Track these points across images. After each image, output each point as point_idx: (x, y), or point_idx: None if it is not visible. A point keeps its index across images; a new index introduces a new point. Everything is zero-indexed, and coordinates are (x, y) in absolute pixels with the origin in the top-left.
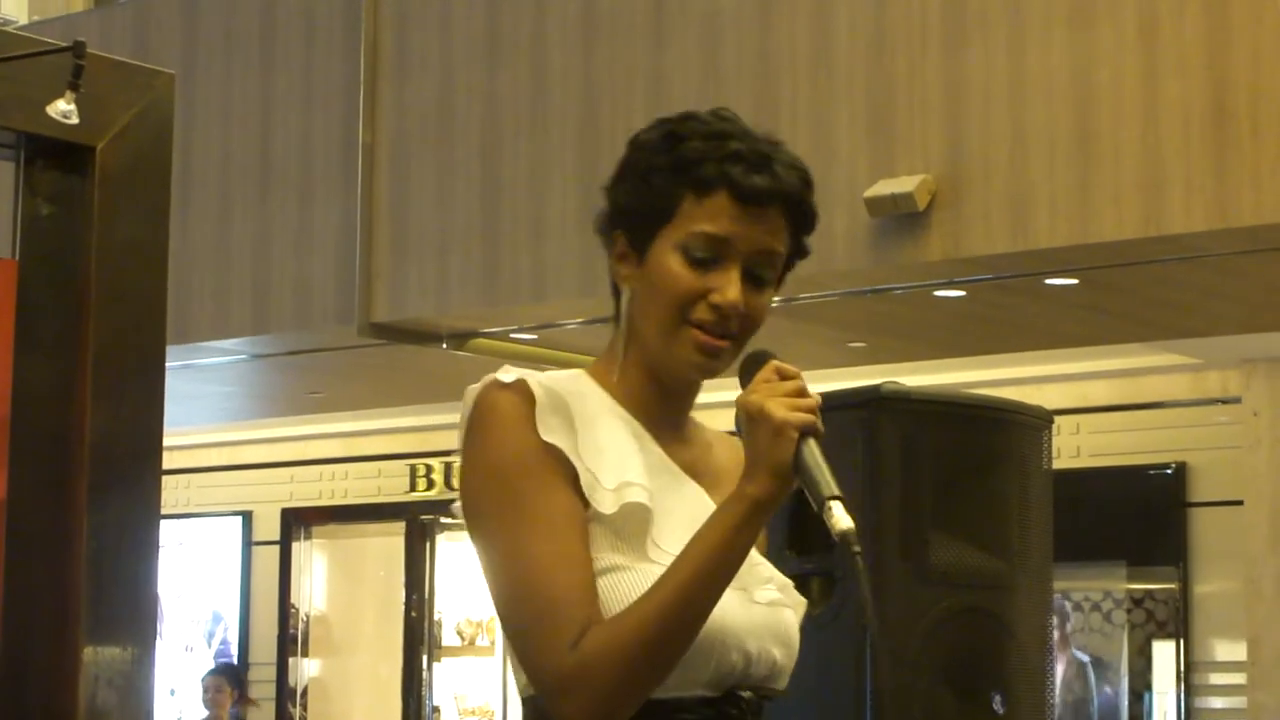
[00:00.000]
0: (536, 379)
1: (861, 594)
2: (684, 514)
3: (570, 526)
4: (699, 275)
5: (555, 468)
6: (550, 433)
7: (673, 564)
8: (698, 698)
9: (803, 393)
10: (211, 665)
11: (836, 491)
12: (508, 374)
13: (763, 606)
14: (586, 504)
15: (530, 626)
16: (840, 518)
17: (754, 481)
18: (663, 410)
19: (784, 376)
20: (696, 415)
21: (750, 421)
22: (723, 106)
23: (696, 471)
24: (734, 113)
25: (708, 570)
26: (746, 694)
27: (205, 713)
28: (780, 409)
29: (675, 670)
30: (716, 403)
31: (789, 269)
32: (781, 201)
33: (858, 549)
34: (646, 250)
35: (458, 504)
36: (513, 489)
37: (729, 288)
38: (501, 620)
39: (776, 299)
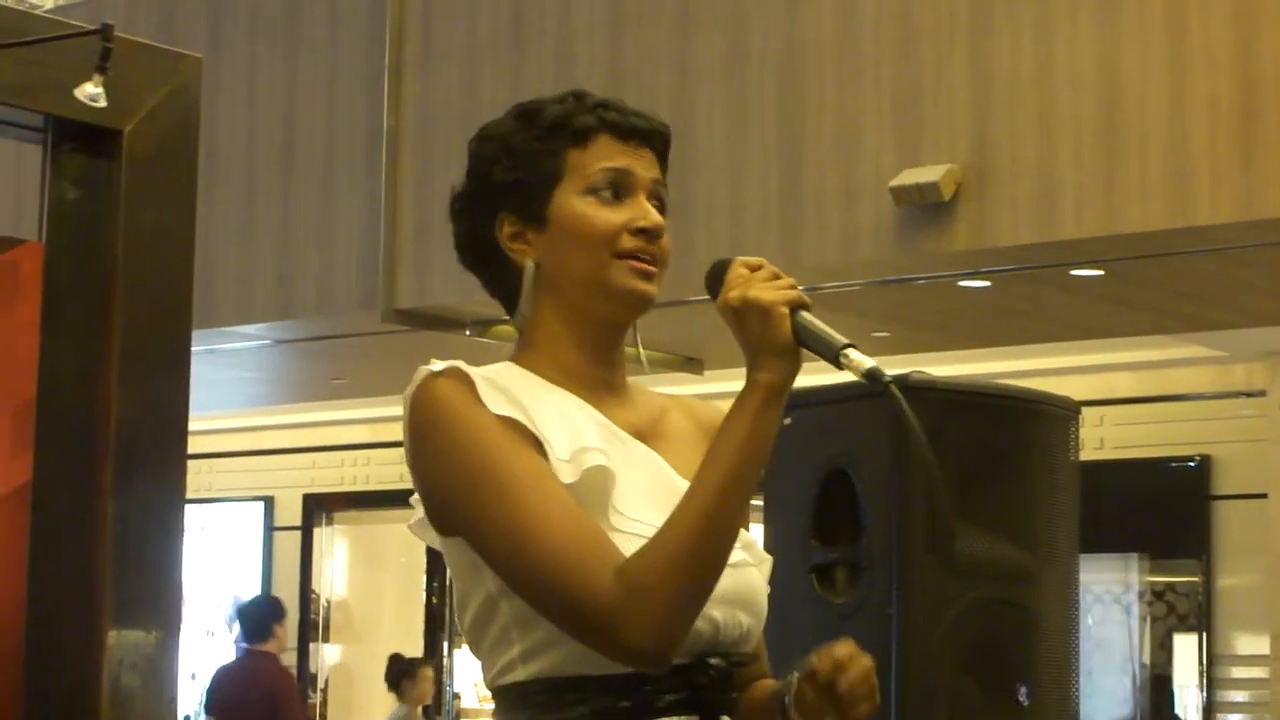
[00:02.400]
0: (466, 365)
1: (909, 424)
2: (638, 476)
3: (558, 483)
4: (613, 210)
5: (520, 435)
6: (500, 407)
7: (701, 466)
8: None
9: (777, 275)
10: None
11: (845, 340)
12: (437, 364)
13: (730, 568)
14: None
15: (561, 578)
16: (860, 359)
17: (762, 368)
18: (596, 375)
19: (752, 269)
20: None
21: (737, 316)
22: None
23: (644, 434)
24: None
25: (738, 464)
26: (716, 661)
27: None
28: (764, 291)
29: None
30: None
31: None
32: (653, 139)
33: (888, 379)
34: (545, 214)
35: (419, 515)
36: (490, 461)
37: (648, 212)
38: (521, 587)
39: (799, 287)
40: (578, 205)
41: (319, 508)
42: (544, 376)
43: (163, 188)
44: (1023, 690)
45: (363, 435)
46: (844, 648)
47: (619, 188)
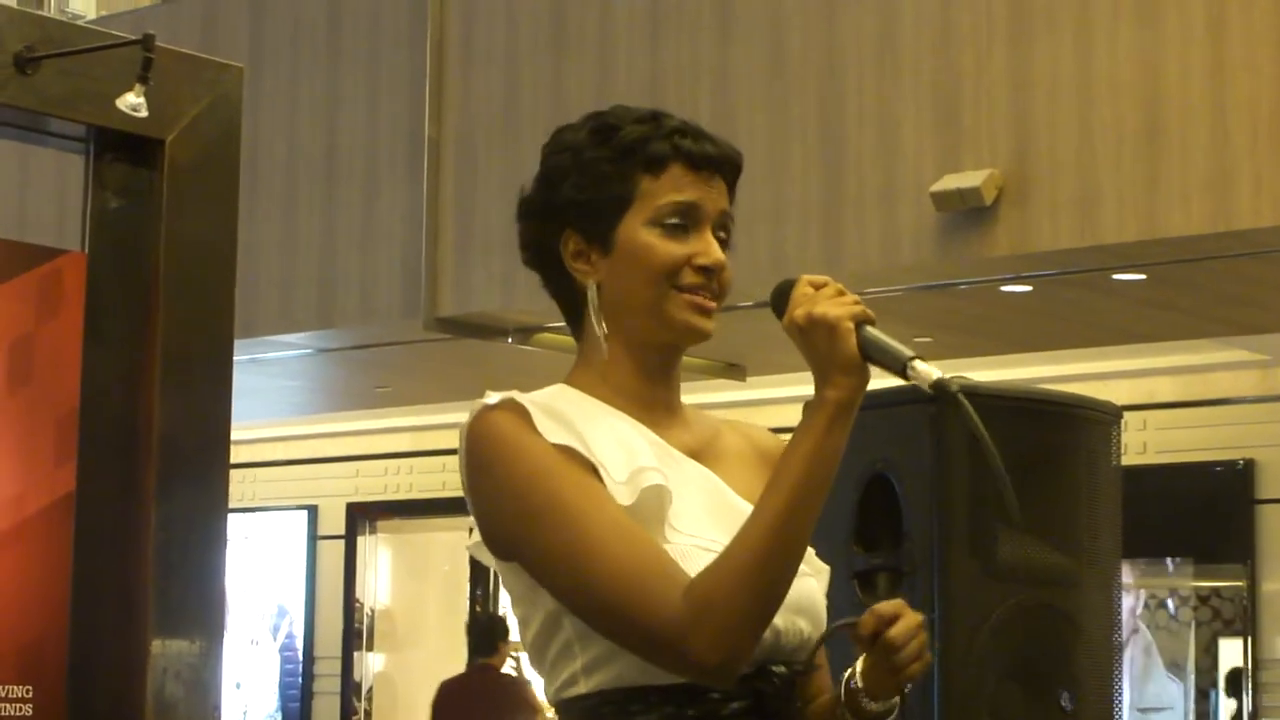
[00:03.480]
0: (521, 395)
1: (978, 433)
2: (694, 494)
3: (618, 509)
4: (678, 243)
5: (576, 462)
6: (555, 435)
7: (769, 484)
8: None
9: (842, 291)
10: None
11: (911, 352)
12: (492, 397)
13: None
14: None
15: (628, 602)
16: (927, 371)
17: (830, 384)
18: (653, 397)
19: (817, 286)
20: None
21: (804, 334)
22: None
23: (698, 454)
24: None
25: (805, 480)
26: (780, 669)
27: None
28: (830, 307)
29: None
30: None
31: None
32: (725, 167)
33: (956, 389)
34: (611, 239)
35: (476, 539)
36: (548, 491)
37: (710, 248)
38: (589, 614)
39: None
40: (643, 235)
41: (362, 516)
42: (599, 397)
43: (204, 197)
44: (1065, 696)
45: (406, 444)
46: (890, 605)
47: (686, 221)
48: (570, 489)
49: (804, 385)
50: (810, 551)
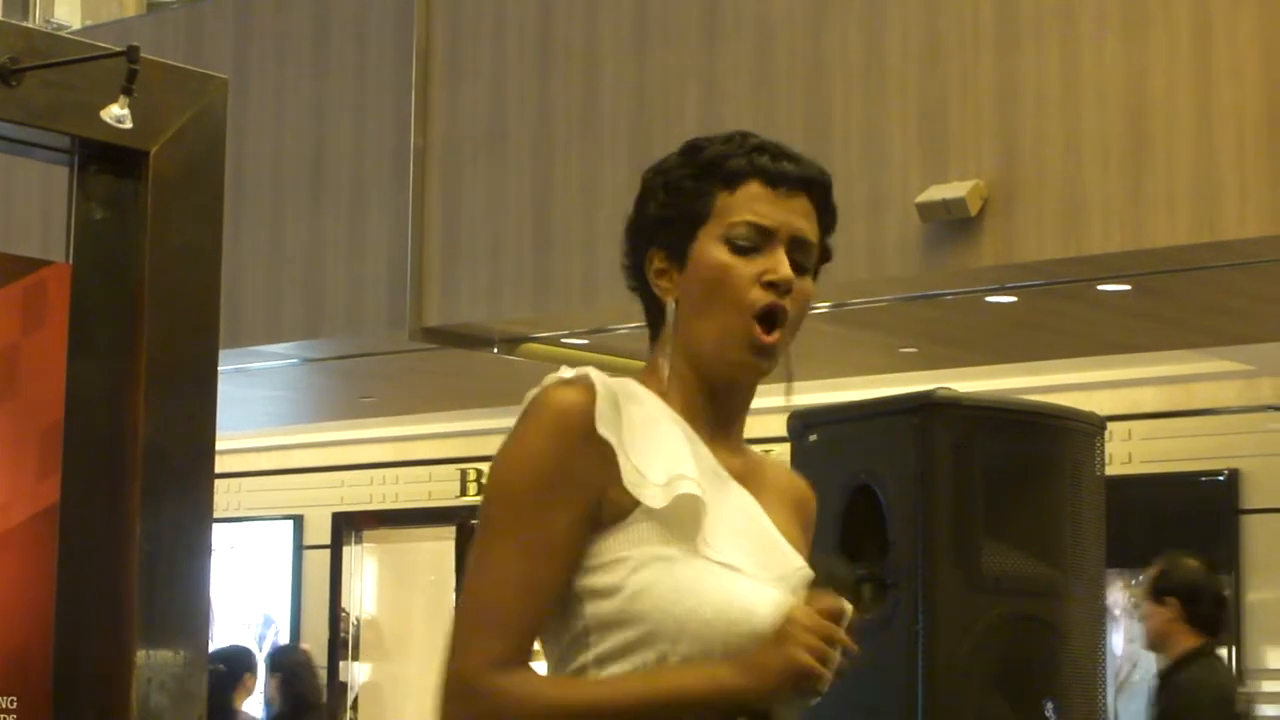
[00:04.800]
0: (598, 375)
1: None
2: (732, 516)
3: (549, 556)
4: (747, 261)
5: (577, 488)
6: (606, 426)
7: (615, 681)
8: None
9: (834, 641)
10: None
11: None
12: (569, 370)
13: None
14: (626, 496)
15: (463, 629)
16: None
17: (735, 672)
18: (713, 417)
19: (826, 634)
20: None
21: (778, 636)
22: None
23: (745, 480)
24: None
25: (639, 710)
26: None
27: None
28: (803, 650)
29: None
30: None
31: (818, 268)
32: (809, 187)
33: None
34: (687, 254)
35: None
36: (521, 498)
37: (780, 265)
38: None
39: (825, 305)
40: (714, 251)
41: (348, 526)
42: (666, 401)
43: (189, 208)
44: (1050, 705)
45: (391, 454)
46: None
47: (759, 239)
48: (529, 512)
49: (793, 394)
50: (805, 572)
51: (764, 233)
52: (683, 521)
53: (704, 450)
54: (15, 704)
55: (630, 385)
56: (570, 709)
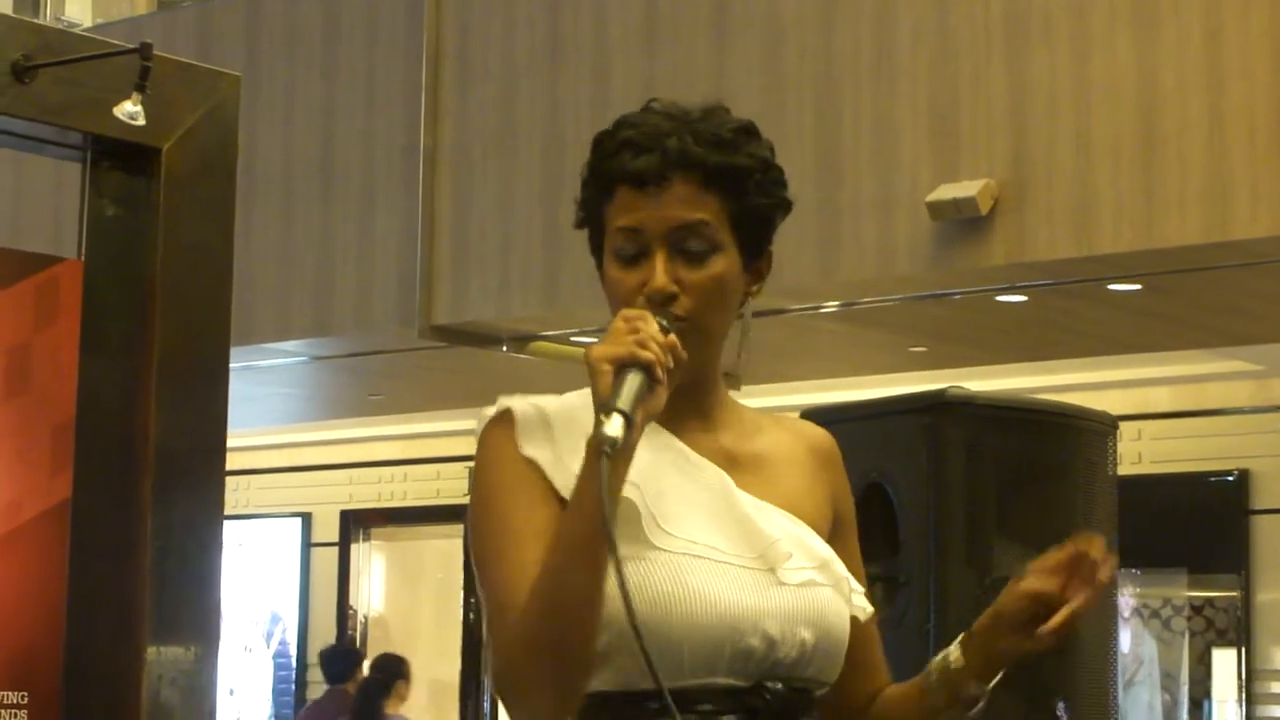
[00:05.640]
0: (527, 400)
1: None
2: (699, 498)
3: (534, 538)
4: (632, 272)
5: (532, 481)
6: (530, 447)
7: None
8: (722, 688)
9: (636, 330)
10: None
11: (620, 405)
12: (494, 406)
13: (792, 588)
14: None
15: (488, 630)
16: (605, 429)
17: (594, 426)
18: (676, 404)
19: (629, 320)
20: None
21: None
22: (656, 98)
23: (729, 457)
24: (668, 101)
25: (567, 528)
26: (776, 685)
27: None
28: (595, 348)
29: (687, 658)
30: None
31: (755, 226)
32: (681, 170)
33: (607, 449)
34: (601, 262)
35: None
36: (489, 510)
37: (654, 275)
38: None
39: (835, 304)
40: (608, 265)
41: (356, 524)
42: None
43: (201, 205)
44: (1061, 705)
45: (400, 451)
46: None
47: (634, 248)
48: (509, 514)
49: (800, 395)
50: (830, 559)
51: (637, 240)
52: (628, 521)
53: (666, 440)
54: (26, 699)
55: (573, 398)
56: (538, 594)
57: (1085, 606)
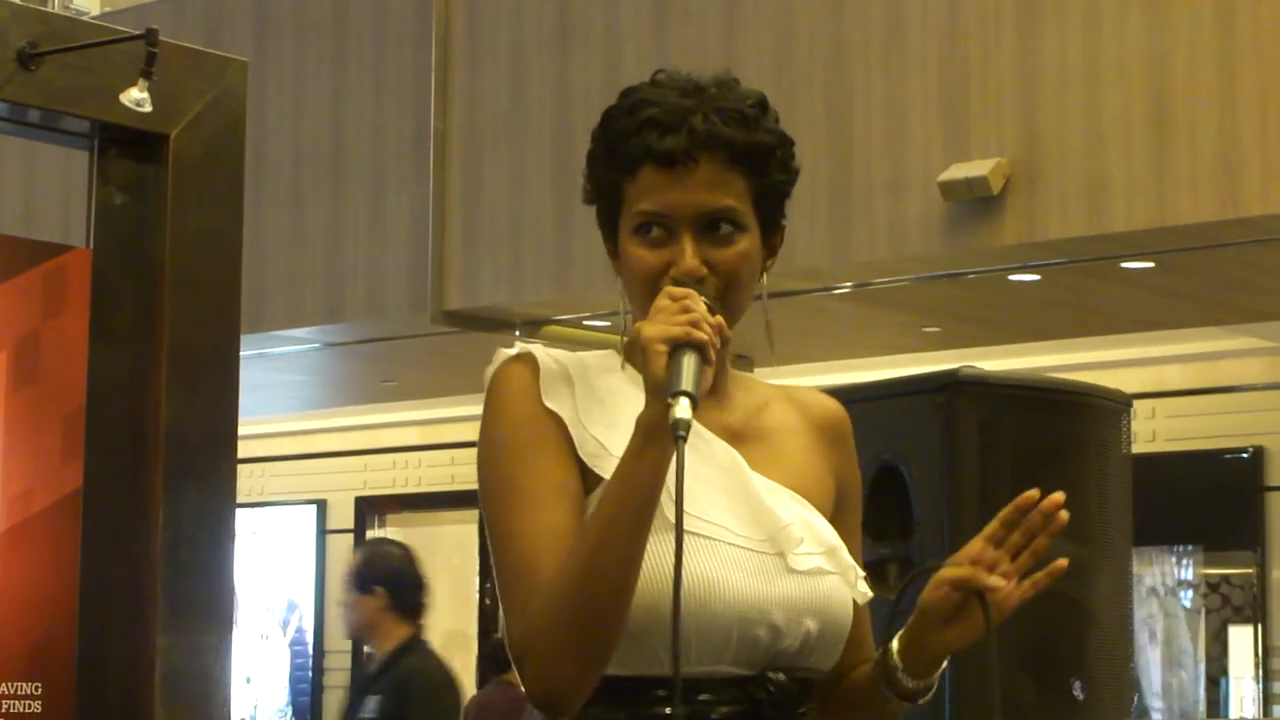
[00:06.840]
0: (546, 351)
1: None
2: (712, 474)
3: (556, 499)
4: (656, 252)
5: (553, 436)
6: (553, 399)
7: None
8: (724, 677)
9: (688, 309)
10: None
11: (685, 388)
12: (515, 348)
13: (800, 575)
14: (589, 471)
15: (502, 596)
16: (675, 412)
17: (645, 405)
18: None
19: (675, 299)
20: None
21: (637, 350)
22: (662, 69)
23: (734, 433)
24: (675, 71)
25: (613, 508)
26: (778, 676)
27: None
28: (648, 328)
29: (695, 645)
30: None
31: (774, 201)
32: (708, 151)
33: (681, 434)
34: (616, 241)
35: None
36: (508, 463)
37: (682, 258)
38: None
39: (848, 284)
40: (629, 244)
41: (371, 510)
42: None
43: (210, 192)
44: (1077, 685)
45: (413, 437)
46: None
47: (660, 229)
48: (523, 469)
49: (813, 375)
50: (838, 547)
51: (664, 222)
52: None
53: None
54: (40, 690)
55: (600, 358)
56: (577, 570)
57: (1042, 576)
